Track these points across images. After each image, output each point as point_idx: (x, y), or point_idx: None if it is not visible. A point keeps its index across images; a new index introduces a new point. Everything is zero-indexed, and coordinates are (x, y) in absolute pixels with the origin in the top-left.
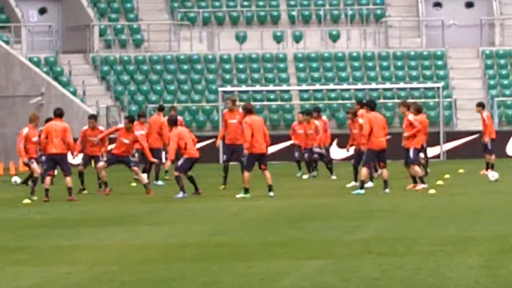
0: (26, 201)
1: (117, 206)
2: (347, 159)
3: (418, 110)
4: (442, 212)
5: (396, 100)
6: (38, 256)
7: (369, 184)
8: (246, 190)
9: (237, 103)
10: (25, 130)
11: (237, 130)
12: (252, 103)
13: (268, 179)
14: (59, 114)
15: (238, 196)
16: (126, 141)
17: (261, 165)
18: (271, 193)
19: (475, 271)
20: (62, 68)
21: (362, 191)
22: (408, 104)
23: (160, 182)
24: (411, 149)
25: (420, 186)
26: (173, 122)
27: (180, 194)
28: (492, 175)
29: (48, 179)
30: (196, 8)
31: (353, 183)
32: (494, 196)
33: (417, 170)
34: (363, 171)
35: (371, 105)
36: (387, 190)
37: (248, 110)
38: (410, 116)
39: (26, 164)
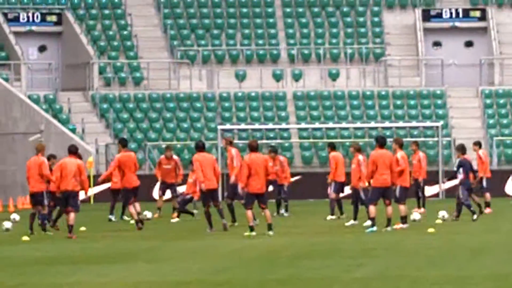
0: (25, 238)
1: (116, 243)
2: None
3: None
4: (441, 251)
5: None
6: None
7: (351, 222)
8: (252, 228)
9: (231, 141)
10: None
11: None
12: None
13: (268, 218)
14: (74, 151)
15: (245, 234)
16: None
17: (260, 204)
18: (270, 232)
19: None
20: (61, 106)
21: (375, 228)
22: (401, 141)
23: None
24: (398, 187)
25: (399, 225)
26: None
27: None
28: (415, 215)
29: (71, 215)
30: (195, 46)
31: (352, 221)
32: (494, 235)
33: (402, 209)
34: (371, 209)
35: (381, 142)
36: (388, 229)
37: (251, 148)
38: (399, 154)
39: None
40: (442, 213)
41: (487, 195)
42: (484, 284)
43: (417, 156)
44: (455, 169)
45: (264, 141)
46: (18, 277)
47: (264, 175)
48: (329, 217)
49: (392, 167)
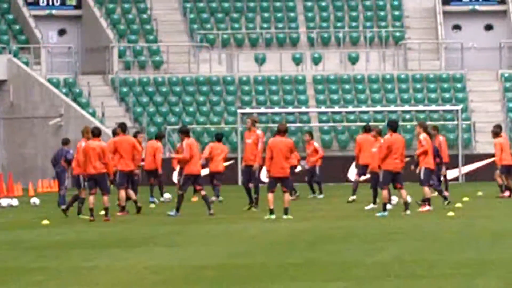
0: (45, 222)
1: (135, 228)
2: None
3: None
4: (461, 235)
5: (415, 123)
6: (57, 277)
7: (371, 206)
8: (271, 211)
9: (257, 124)
10: (83, 144)
11: (251, 151)
12: (271, 125)
13: (285, 202)
14: (97, 133)
15: (265, 217)
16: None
17: (282, 188)
18: (284, 216)
19: None
20: (81, 89)
21: (386, 213)
22: (425, 125)
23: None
24: (422, 169)
25: (425, 207)
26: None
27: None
28: (393, 199)
29: (91, 198)
30: (215, 30)
31: (371, 205)
32: None
33: (426, 191)
34: (383, 193)
35: (393, 126)
36: (408, 212)
37: (278, 131)
38: (421, 136)
39: (77, 180)
40: (394, 198)
41: (499, 179)
42: (505, 268)
43: (437, 140)
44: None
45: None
46: (38, 260)
47: (285, 158)
48: (351, 197)
49: (403, 151)
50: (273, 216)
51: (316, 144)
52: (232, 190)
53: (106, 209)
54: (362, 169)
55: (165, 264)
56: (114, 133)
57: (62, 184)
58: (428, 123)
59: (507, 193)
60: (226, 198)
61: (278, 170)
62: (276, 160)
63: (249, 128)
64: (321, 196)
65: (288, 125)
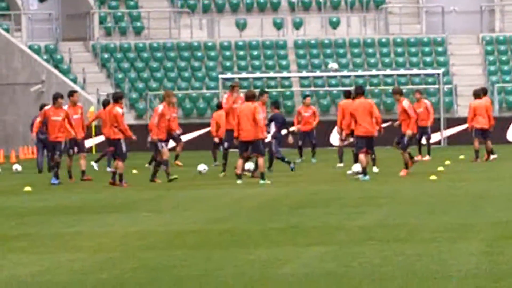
0: (28, 188)
1: (118, 193)
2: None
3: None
4: (443, 199)
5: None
6: (39, 243)
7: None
8: (239, 176)
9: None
10: (160, 107)
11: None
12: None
13: (260, 166)
14: (113, 98)
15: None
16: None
17: (253, 152)
18: (261, 181)
19: (476, 257)
20: (62, 56)
21: (367, 177)
22: (400, 90)
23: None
24: (406, 135)
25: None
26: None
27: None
28: (352, 168)
29: (119, 164)
30: None
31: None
32: (495, 182)
33: (406, 157)
34: (361, 158)
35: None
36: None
37: (246, 97)
38: (405, 103)
39: (152, 143)
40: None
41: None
42: (486, 232)
43: (424, 104)
44: (267, 122)
45: (266, 89)
46: (20, 227)
47: (251, 124)
48: (338, 164)
49: (373, 116)
50: (240, 181)
51: (313, 107)
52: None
53: (120, 175)
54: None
55: (148, 229)
56: (106, 103)
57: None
58: (410, 87)
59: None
60: (207, 163)
61: (244, 135)
62: (243, 125)
63: (236, 93)
64: (314, 160)
65: (269, 90)
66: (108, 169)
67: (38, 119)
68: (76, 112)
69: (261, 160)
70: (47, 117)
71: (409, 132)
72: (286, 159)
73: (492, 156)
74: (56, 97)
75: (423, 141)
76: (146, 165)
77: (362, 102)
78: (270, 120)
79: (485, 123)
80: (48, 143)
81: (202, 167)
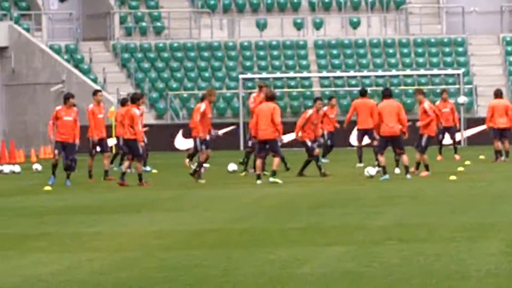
0: (47, 188)
1: (137, 193)
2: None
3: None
4: (462, 199)
5: (416, 87)
6: (59, 243)
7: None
8: (258, 176)
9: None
10: (203, 106)
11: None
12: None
13: (274, 164)
14: (130, 99)
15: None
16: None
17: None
18: (271, 179)
19: (495, 257)
20: (82, 56)
21: (387, 176)
22: (423, 91)
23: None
24: (426, 136)
25: (424, 173)
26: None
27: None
28: (367, 170)
29: (137, 164)
30: None
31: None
32: None
33: (425, 158)
34: (380, 158)
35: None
36: (408, 176)
37: (266, 97)
38: (426, 104)
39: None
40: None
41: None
42: (505, 232)
43: (449, 104)
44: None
45: (286, 89)
46: (40, 226)
47: (269, 124)
48: (357, 165)
49: (399, 116)
50: (259, 182)
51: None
52: (235, 155)
53: (139, 174)
54: (360, 134)
55: (167, 229)
56: (124, 103)
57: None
58: (430, 87)
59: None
60: (227, 163)
61: (263, 133)
62: (261, 125)
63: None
64: (326, 160)
65: (289, 90)
66: (115, 168)
67: (51, 122)
68: (100, 111)
69: (277, 160)
70: (58, 117)
71: (418, 124)
72: (284, 160)
73: (502, 158)
74: (68, 97)
75: (447, 141)
76: (187, 160)
77: (391, 103)
78: None
79: (504, 123)
80: (58, 144)
81: (232, 167)
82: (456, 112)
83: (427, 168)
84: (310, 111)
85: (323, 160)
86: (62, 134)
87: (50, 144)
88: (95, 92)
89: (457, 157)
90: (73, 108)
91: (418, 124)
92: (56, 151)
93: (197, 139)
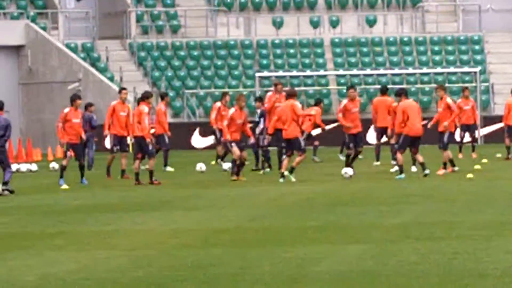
0: (65, 186)
1: (154, 192)
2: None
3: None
4: (479, 197)
5: (433, 85)
6: (76, 241)
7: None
8: (282, 175)
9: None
10: (231, 111)
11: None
12: (289, 88)
13: (295, 161)
14: (140, 97)
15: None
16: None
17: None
18: (286, 173)
19: None
20: (99, 54)
21: (403, 176)
22: (445, 87)
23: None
24: (448, 132)
25: (449, 169)
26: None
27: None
28: (345, 172)
29: (150, 162)
30: None
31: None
32: None
33: (445, 155)
34: (398, 156)
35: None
36: (427, 171)
37: (287, 95)
38: (449, 100)
39: (225, 145)
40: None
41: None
42: None
43: (471, 102)
44: (257, 119)
45: (302, 88)
46: (57, 225)
47: (291, 122)
48: (375, 163)
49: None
50: (281, 180)
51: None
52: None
53: (150, 172)
54: (379, 132)
55: (184, 228)
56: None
57: (91, 149)
58: (447, 85)
59: None
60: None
61: (286, 132)
62: (284, 124)
63: (279, 91)
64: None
65: (306, 88)
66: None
67: (60, 125)
68: (123, 109)
69: (300, 158)
70: (67, 120)
71: (445, 124)
72: (269, 161)
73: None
74: (74, 99)
75: (466, 138)
76: (212, 162)
77: (412, 102)
78: (260, 116)
79: None
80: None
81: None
82: (476, 110)
83: (452, 163)
84: (344, 101)
85: (340, 157)
86: (72, 135)
87: (61, 146)
88: (120, 90)
89: (474, 155)
90: (79, 109)
91: (446, 124)
92: (68, 153)
93: (226, 143)
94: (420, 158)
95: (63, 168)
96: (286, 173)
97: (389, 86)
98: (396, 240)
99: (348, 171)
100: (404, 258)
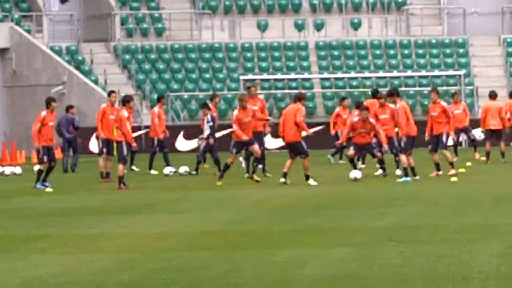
0: (49, 189)
1: (139, 195)
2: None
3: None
4: (464, 200)
5: (417, 88)
6: (61, 244)
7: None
8: (284, 175)
9: (257, 91)
10: (235, 113)
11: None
12: (273, 91)
13: (304, 167)
14: (125, 101)
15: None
16: None
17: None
18: (309, 182)
19: (496, 258)
20: (83, 57)
21: (409, 178)
22: (438, 91)
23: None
24: (445, 134)
25: (451, 171)
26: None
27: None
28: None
29: (119, 166)
30: None
31: (380, 171)
32: None
33: (448, 155)
34: (403, 158)
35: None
36: (417, 177)
37: (295, 98)
38: (443, 103)
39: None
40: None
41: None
42: (507, 233)
43: (461, 106)
44: (210, 124)
45: (287, 91)
46: (41, 228)
47: (292, 126)
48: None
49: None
50: (282, 180)
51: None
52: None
53: (119, 177)
54: None
55: (169, 231)
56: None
57: (75, 151)
58: (431, 89)
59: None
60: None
61: (288, 137)
62: (287, 128)
63: (253, 95)
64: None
65: (290, 91)
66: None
67: (37, 128)
68: (112, 112)
69: (306, 161)
70: (44, 124)
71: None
72: (199, 166)
73: (502, 160)
74: (50, 101)
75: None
76: (240, 158)
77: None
78: (209, 121)
79: (496, 124)
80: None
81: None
82: (469, 113)
83: (438, 167)
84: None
85: (332, 160)
86: (47, 139)
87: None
88: (109, 93)
89: (477, 155)
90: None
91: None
92: (45, 158)
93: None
94: (409, 162)
95: (40, 173)
96: (282, 180)
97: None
98: (380, 244)
99: (357, 174)
100: (388, 262)
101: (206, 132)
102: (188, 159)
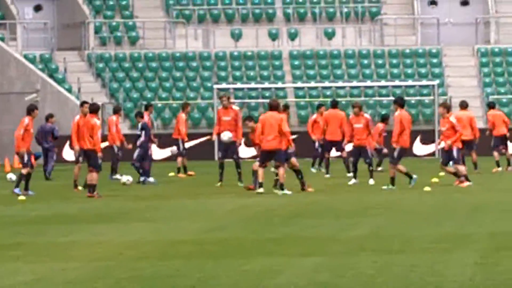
0: (22, 197)
1: (112, 203)
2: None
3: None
4: (437, 210)
5: (391, 98)
6: (34, 252)
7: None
8: (260, 185)
9: (232, 100)
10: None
11: (230, 128)
12: (247, 100)
13: (280, 177)
14: (90, 109)
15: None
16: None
17: (275, 162)
18: (279, 192)
19: (470, 268)
20: (57, 65)
21: (413, 181)
22: (448, 105)
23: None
24: (455, 148)
25: (466, 183)
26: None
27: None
28: (127, 179)
29: (92, 175)
30: (191, 5)
31: (353, 180)
32: (490, 193)
33: (461, 169)
34: (400, 167)
35: (401, 103)
36: (384, 187)
37: (270, 106)
38: (452, 118)
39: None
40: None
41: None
42: (481, 243)
43: (469, 119)
44: (138, 132)
45: (260, 100)
46: (15, 236)
47: (276, 134)
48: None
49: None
50: (261, 190)
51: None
52: (209, 165)
53: (89, 186)
54: (329, 145)
55: (141, 239)
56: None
57: (52, 159)
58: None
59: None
60: (203, 173)
61: (269, 144)
62: (267, 135)
63: (225, 106)
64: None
65: (263, 100)
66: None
67: (21, 134)
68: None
69: (282, 170)
70: (27, 129)
71: (448, 143)
72: (141, 171)
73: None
74: (32, 109)
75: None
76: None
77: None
78: (141, 129)
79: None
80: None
81: (125, 178)
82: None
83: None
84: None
85: (313, 170)
86: (29, 145)
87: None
88: (82, 104)
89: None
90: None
91: (449, 142)
92: (32, 160)
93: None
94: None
95: (22, 177)
96: (281, 193)
97: (347, 99)
98: (353, 253)
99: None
100: (361, 271)
101: (140, 140)
102: (162, 168)
